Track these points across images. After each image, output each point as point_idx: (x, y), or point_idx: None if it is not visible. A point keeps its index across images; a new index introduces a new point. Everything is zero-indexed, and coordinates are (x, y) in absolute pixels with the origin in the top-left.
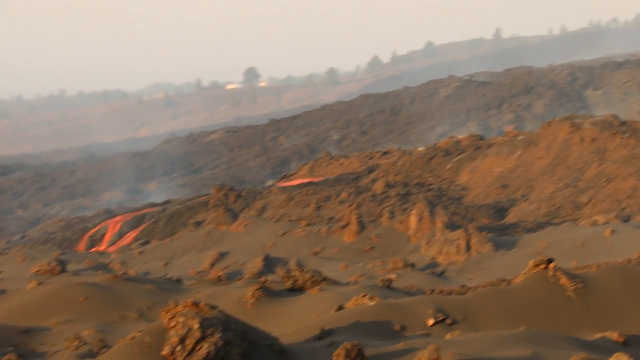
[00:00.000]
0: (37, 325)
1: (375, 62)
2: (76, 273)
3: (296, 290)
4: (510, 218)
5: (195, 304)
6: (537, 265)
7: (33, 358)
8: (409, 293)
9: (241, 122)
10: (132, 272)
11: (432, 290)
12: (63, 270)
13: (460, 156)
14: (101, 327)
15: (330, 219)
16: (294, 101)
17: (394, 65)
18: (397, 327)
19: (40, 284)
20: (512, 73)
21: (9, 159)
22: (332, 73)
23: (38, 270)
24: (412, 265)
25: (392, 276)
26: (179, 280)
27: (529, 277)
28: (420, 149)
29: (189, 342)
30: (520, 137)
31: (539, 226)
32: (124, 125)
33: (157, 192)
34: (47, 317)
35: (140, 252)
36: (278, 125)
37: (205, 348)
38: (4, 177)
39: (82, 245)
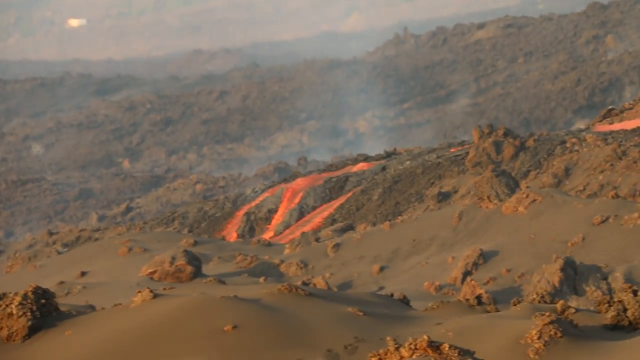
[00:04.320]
0: None
1: None
2: (220, 279)
3: (622, 327)
4: None
5: (434, 346)
6: None
7: None
8: None
9: (534, 5)
10: (319, 281)
11: None
12: (197, 275)
13: None
14: None
15: None
16: None
17: None
18: None
19: (156, 297)
20: None
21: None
22: None
23: (153, 272)
24: None
25: None
26: (403, 300)
27: None
28: None
29: None
30: None
31: None
32: None
33: (369, 135)
34: (167, 359)
35: (335, 246)
36: (603, 15)
37: None
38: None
39: (231, 229)
